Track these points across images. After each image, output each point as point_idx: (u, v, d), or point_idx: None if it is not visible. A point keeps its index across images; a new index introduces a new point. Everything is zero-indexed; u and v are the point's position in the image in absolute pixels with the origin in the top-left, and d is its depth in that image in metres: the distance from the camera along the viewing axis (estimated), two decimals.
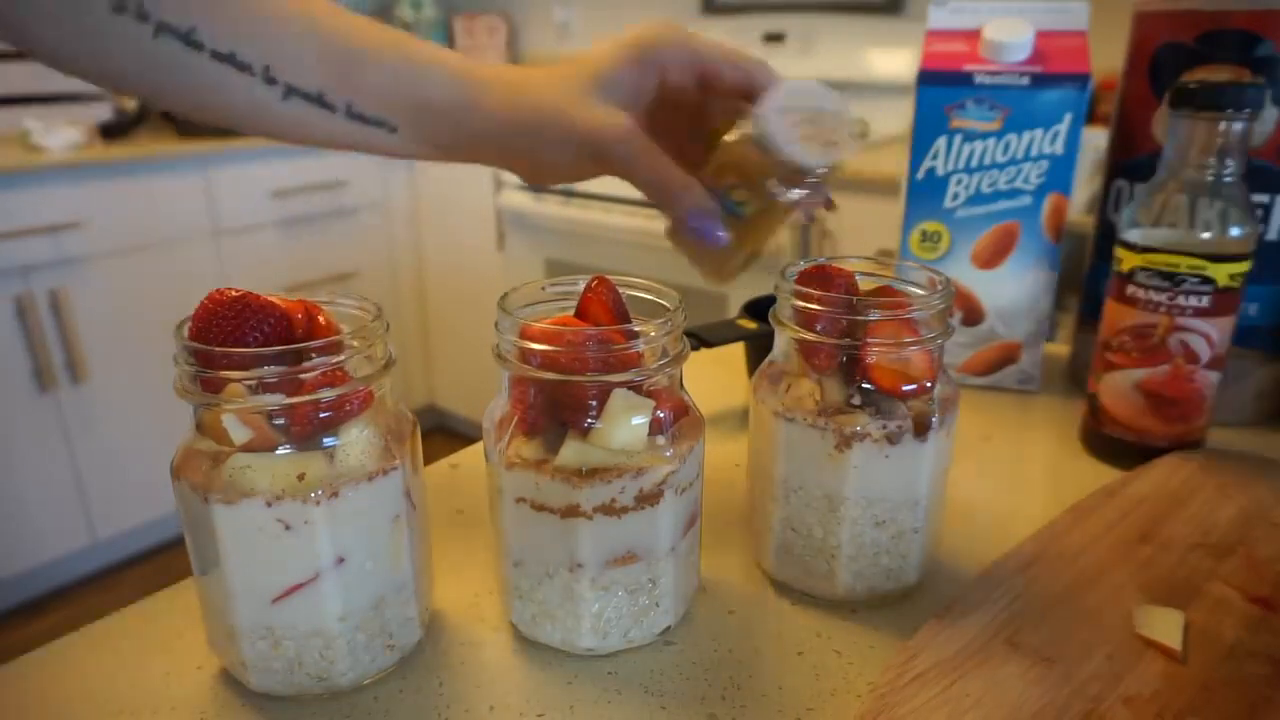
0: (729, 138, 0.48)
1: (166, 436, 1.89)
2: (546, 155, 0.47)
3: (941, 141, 0.67)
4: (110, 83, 0.42)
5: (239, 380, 0.34)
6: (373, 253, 2.40)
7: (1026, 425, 0.67)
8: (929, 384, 0.43)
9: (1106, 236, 0.68)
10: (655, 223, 1.84)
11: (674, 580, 0.41)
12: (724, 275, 0.50)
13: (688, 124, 0.50)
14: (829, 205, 0.49)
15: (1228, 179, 0.53)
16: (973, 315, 0.70)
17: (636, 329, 0.39)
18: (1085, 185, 1.46)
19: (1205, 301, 0.54)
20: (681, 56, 0.47)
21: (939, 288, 0.43)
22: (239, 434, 0.35)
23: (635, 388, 0.38)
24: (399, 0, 2.78)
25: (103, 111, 2.16)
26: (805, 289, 0.42)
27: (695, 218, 0.46)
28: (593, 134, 0.45)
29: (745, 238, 0.48)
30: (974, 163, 0.67)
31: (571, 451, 0.38)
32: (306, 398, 0.35)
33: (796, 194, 0.46)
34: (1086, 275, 0.71)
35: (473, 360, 2.49)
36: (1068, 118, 0.64)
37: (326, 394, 0.35)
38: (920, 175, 0.68)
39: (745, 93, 0.47)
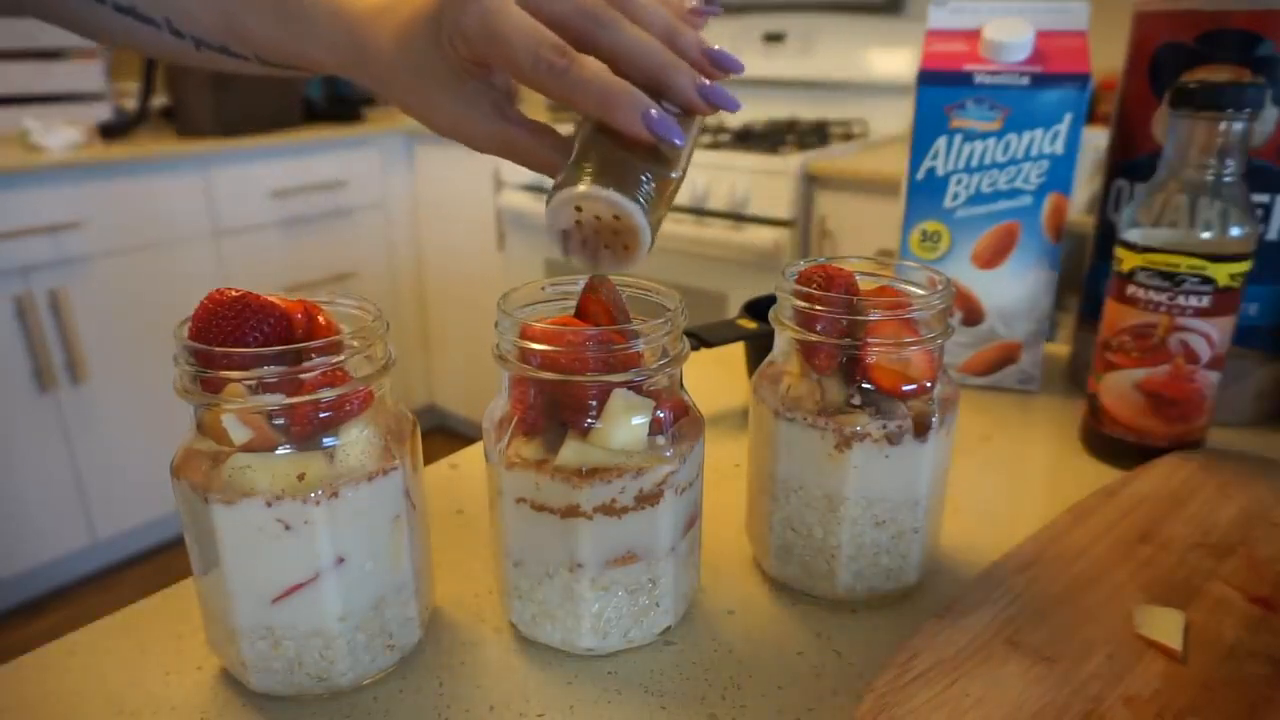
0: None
1: (166, 436, 1.89)
2: (388, 85, 0.45)
3: (941, 141, 0.67)
4: (59, 25, 0.45)
5: (239, 380, 0.34)
6: (372, 253, 2.40)
7: (1026, 425, 0.67)
8: (929, 384, 0.43)
9: (1106, 236, 0.68)
10: None
11: (674, 580, 0.41)
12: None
13: None
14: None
15: (1228, 179, 0.53)
16: (973, 315, 0.70)
17: (636, 329, 0.39)
18: (1085, 185, 1.46)
19: (1205, 301, 0.54)
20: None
21: (939, 288, 0.43)
22: (239, 434, 0.35)
23: (635, 388, 0.38)
24: None
25: (102, 111, 2.16)
26: (805, 289, 0.42)
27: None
28: (456, 137, 0.44)
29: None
30: (974, 163, 0.67)
31: (571, 451, 0.38)
32: (306, 398, 0.35)
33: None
34: (1086, 275, 0.71)
35: (473, 360, 2.49)
36: (1068, 118, 0.64)
37: (326, 394, 0.35)
38: (920, 175, 0.68)
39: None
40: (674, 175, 0.40)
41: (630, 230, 0.38)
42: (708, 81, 0.41)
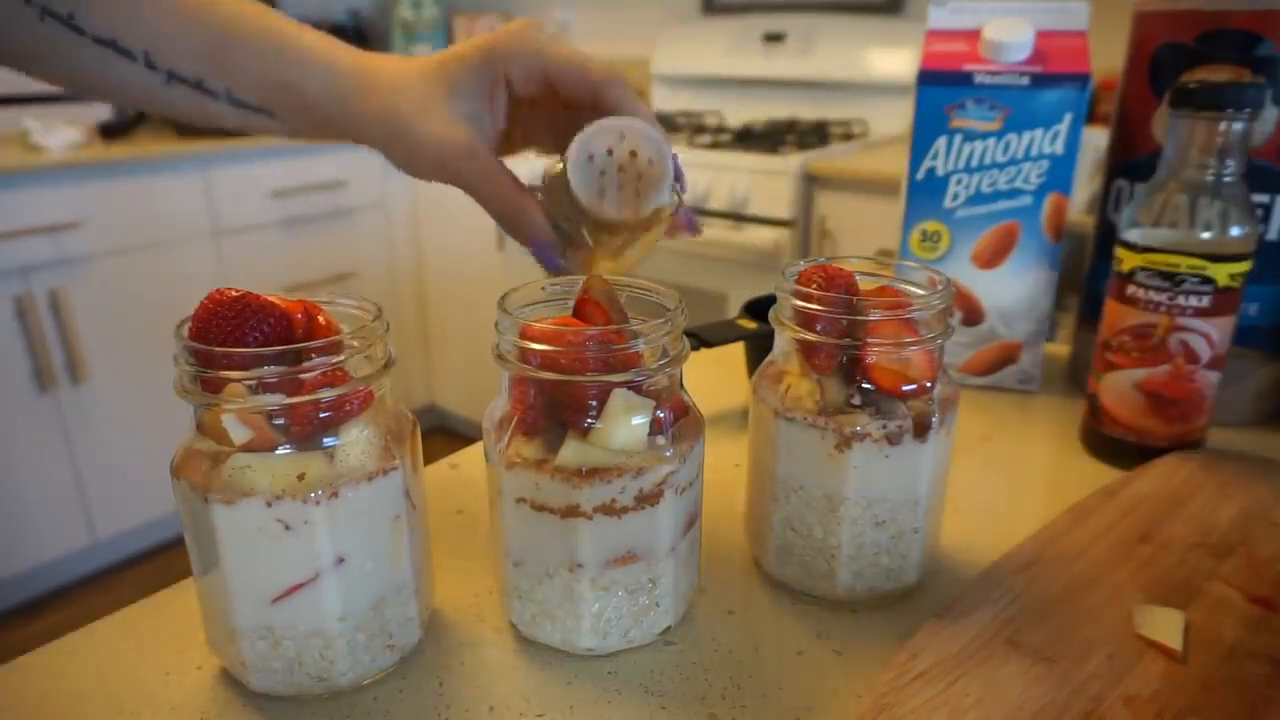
0: (556, 166, 0.46)
1: (166, 436, 1.89)
2: (401, 159, 0.47)
3: (941, 141, 0.67)
4: (13, 65, 0.44)
5: (239, 380, 0.34)
6: (372, 253, 2.40)
7: (1026, 425, 0.67)
8: (929, 384, 0.43)
9: (1106, 236, 0.68)
10: None
11: (674, 580, 0.41)
12: (596, 269, 0.48)
13: (554, 127, 0.50)
14: (692, 229, 0.48)
15: (1228, 179, 0.53)
16: (973, 315, 0.70)
17: (636, 329, 0.39)
18: (1085, 185, 1.46)
19: (1205, 301, 0.54)
20: (529, 63, 0.46)
21: (939, 288, 0.43)
22: (239, 434, 0.35)
23: (635, 388, 0.38)
24: (399, 0, 2.78)
25: (102, 111, 2.16)
26: (805, 289, 0.42)
27: (535, 245, 0.46)
28: (437, 151, 0.45)
29: (597, 258, 0.46)
30: (974, 163, 0.67)
31: (571, 451, 0.38)
32: (306, 398, 0.35)
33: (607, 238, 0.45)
34: (1086, 275, 0.71)
35: (473, 360, 2.49)
36: (1068, 118, 0.64)
37: (326, 394, 0.35)
38: (920, 175, 0.68)
39: (594, 106, 0.46)
40: (676, 203, 0.44)
41: (653, 178, 0.41)
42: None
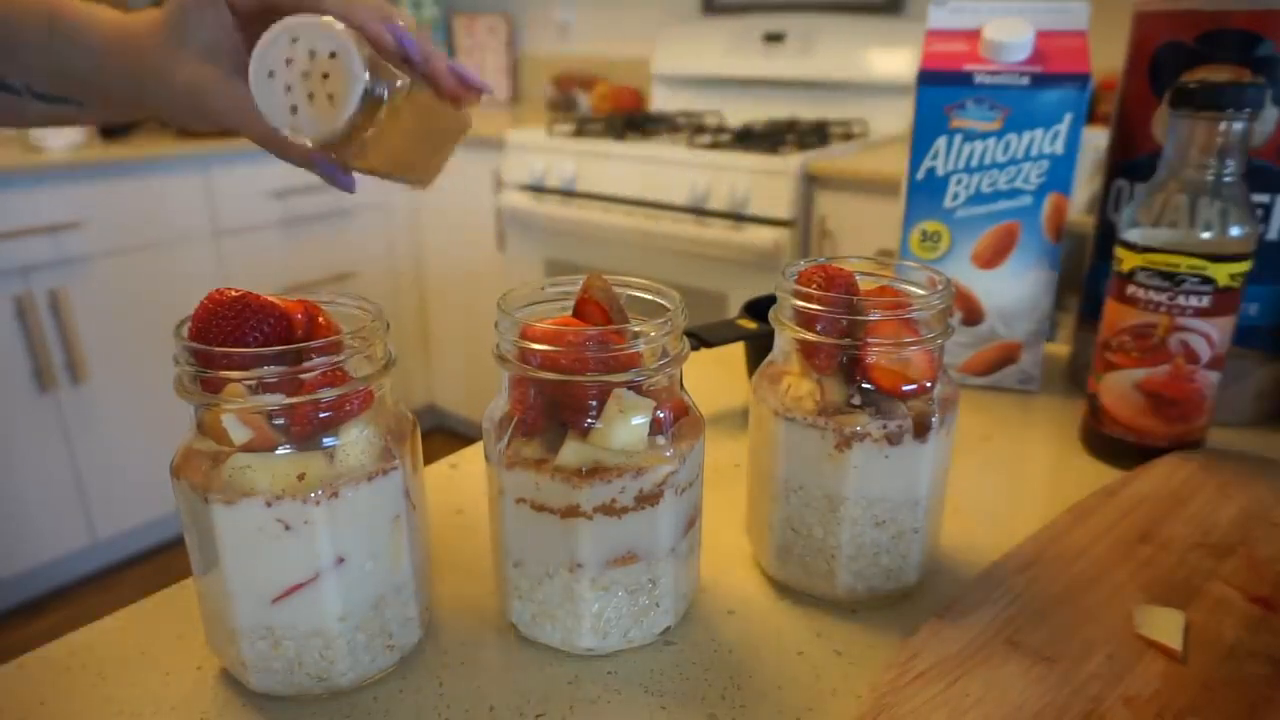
0: None
1: (166, 436, 1.89)
2: (184, 119, 0.46)
3: (941, 141, 0.67)
4: None
5: (239, 380, 0.34)
6: (373, 253, 2.40)
7: (1026, 425, 0.67)
8: (929, 384, 0.43)
9: (1106, 236, 0.68)
10: (655, 223, 1.84)
11: (674, 580, 0.41)
12: (367, 165, 0.44)
13: None
14: (473, 89, 0.46)
15: (1228, 179, 0.53)
16: (973, 315, 0.70)
17: (636, 329, 0.39)
18: (1085, 185, 1.46)
19: (1205, 301, 0.54)
20: None
21: (939, 288, 0.43)
22: (239, 434, 0.35)
23: (635, 388, 0.38)
24: (399, 0, 2.78)
25: None
26: (805, 289, 0.42)
27: (319, 164, 0.45)
28: (189, 100, 0.44)
29: (362, 156, 0.43)
30: (974, 163, 0.67)
31: (571, 451, 0.38)
32: (306, 398, 0.35)
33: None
34: (1086, 275, 0.71)
35: (473, 360, 2.49)
36: (1068, 118, 0.64)
37: (326, 394, 0.35)
38: (920, 175, 0.68)
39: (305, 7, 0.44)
40: (398, 85, 0.40)
41: (340, 74, 0.37)
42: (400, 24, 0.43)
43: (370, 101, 0.38)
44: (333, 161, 0.43)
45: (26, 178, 1.75)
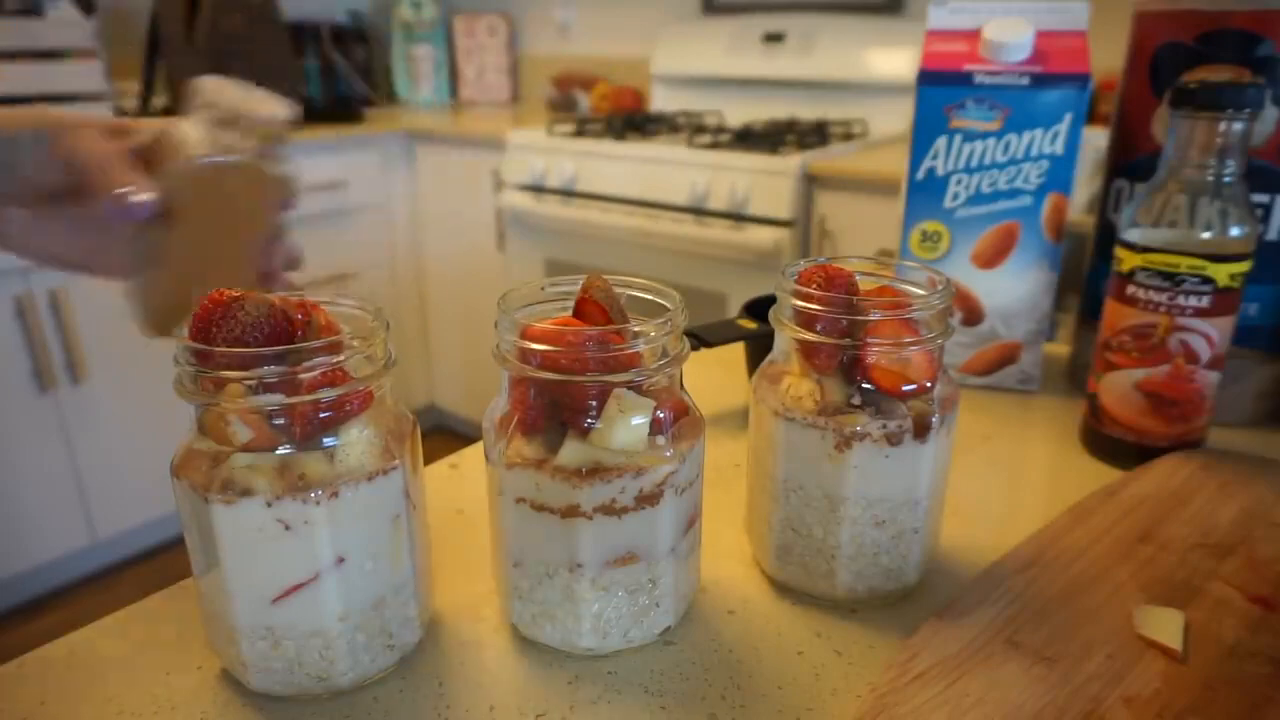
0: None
1: (166, 436, 1.88)
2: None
3: (941, 141, 0.67)
4: None
5: (239, 380, 0.34)
6: (373, 253, 2.39)
7: (1026, 425, 0.67)
8: (929, 384, 0.43)
9: (1106, 236, 0.68)
10: (655, 223, 1.84)
11: (674, 580, 0.41)
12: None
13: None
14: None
15: (1228, 179, 0.53)
16: (973, 315, 0.70)
17: (636, 329, 0.39)
18: (1085, 185, 1.46)
19: (1205, 301, 0.54)
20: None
21: (939, 288, 0.43)
22: (239, 434, 0.35)
23: (635, 388, 0.38)
24: (399, 0, 2.78)
25: (102, 111, 2.16)
26: (805, 289, 0.42)
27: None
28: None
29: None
30: (974, 163, 0.67)
31: (571, 451, 0.38)
32: (306, 398, 0.35)
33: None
34: (1086, 275, 0.71)
35: (473, 360, 2.49)
36: (1068, 118, 0.64)
37: (326, 394, 0.35)
38: (920, 175, 0.68)
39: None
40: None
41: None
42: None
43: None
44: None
45: None
